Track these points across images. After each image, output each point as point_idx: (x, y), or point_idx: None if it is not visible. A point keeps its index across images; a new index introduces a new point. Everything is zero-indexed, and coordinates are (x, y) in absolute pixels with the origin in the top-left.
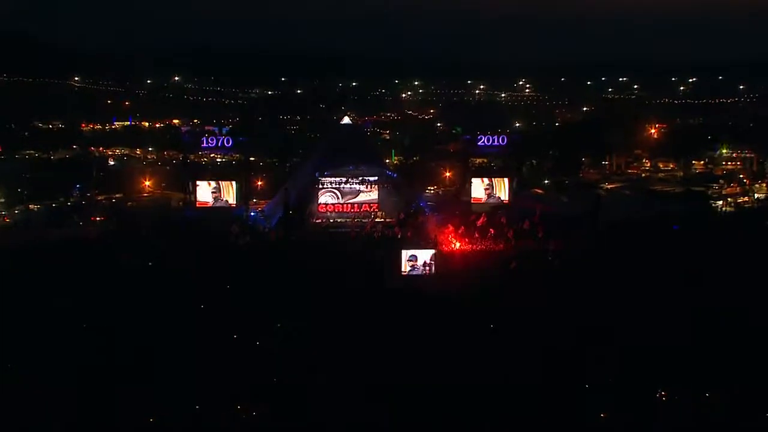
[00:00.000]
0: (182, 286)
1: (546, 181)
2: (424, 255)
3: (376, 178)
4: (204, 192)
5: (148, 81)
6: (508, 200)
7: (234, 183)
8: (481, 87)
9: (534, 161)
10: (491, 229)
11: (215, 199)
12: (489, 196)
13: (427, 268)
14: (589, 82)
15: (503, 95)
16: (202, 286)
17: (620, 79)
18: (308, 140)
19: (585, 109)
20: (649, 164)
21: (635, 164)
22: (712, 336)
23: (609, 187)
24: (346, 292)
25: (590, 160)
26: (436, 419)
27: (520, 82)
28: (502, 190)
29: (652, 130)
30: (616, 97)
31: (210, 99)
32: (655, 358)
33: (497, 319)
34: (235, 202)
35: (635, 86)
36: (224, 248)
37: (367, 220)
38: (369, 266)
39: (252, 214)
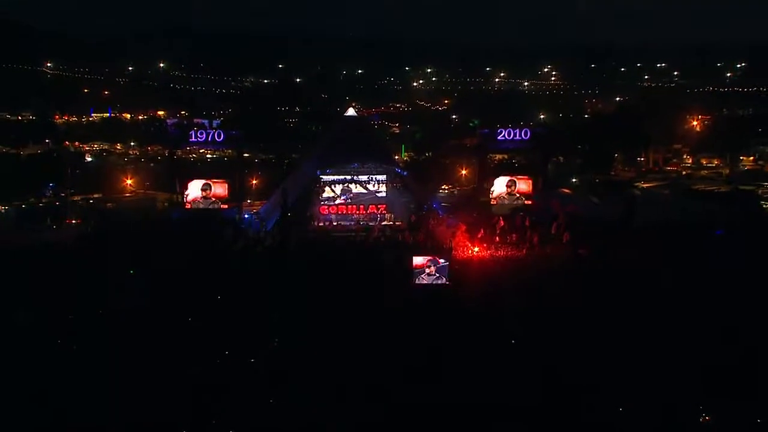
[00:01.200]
0: (167, 296)
1: (574, 180)
2: (438, 262)
3: (385, 176)
4: (193, 192)
5: (130, 68)
6: (532, 201)
7: (226, 182)
8: (502, 75)
9: (561, 157)
10: (513, 234)
11: (205, 199)
12: (509, 194)
13: (442, 276)
14: (623, 69)
15: (526, 84)
16: (190, 297)
17: (658, 65)
18: (309, 134)
19: (618, 98)
20: (690, 160)
21: (675, 160)
22: (760, 357)
23: (645, 186)
24: (350, 304)
25: (624, 156)
26: None
27: (545, 69)
28: (525, 189)
29: (695, 122)
30: (654, 84)
31: (199, 88)
32: (696, 380)
33: (519, 332)
34: (227, 203)
35: (675, 72)
36: (215, 254)
37: (373, 224)
38: (377, 274)
39: (246, 216)
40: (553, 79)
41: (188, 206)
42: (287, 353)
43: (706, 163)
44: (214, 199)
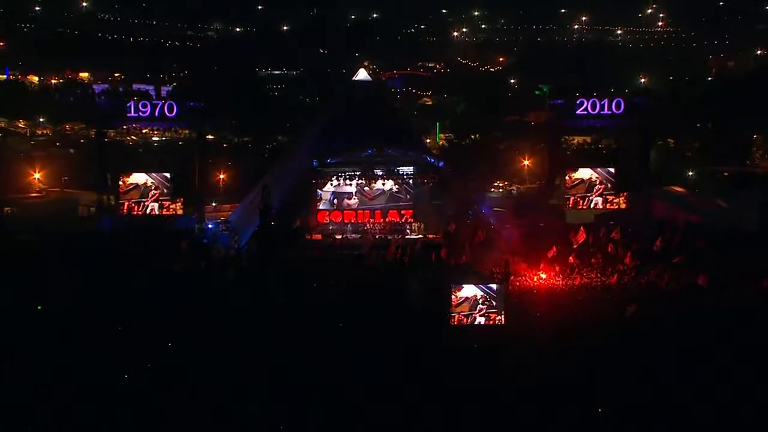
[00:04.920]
0: (92, 344)
1: (690, 173)
2: (489, 293)
3: (411, 168)
4: (132, 190)
5: (37, 8)
6: (627, 205)
7: (181, 176)
8: (583, 20)
9: (670, 140)
10: (597, 252)
11: (149, 200)
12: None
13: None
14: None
15: (619, 32)
16: (126, 345)
17: None
18: (302, 108)
19: (759, 52)
20: None
21: None
22: None
23: None
24: (357, 353)
25: (766, 139)
26: None
27: (648, 11)
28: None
29: None
30: None
31: (141, 39)
32: None
33: (605, 400)
34: (181, 208)
35: None
36: (164, 282)
37: (393, 237)
38: (399, 310)
39: (209, 226)
40: (660, 25)
41: (125, 212)
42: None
43: None
44: (162, 201)
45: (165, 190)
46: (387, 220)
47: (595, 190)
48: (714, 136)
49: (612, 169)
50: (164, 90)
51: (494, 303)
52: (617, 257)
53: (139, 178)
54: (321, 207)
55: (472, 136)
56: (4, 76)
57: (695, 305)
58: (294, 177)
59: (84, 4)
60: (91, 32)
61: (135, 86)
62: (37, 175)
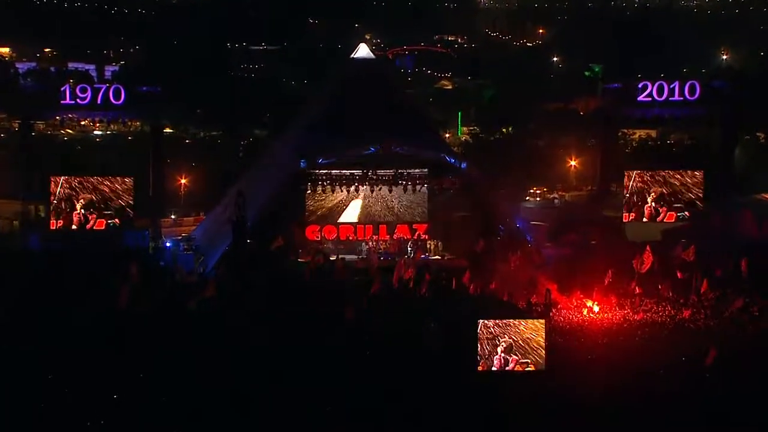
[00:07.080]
0: (17, 402)
1: None
2: (525, 329)
3: (426, 170)
4: (67, 199)
5: None
6: (704, 218)
7: (129, 180)
8: None
9: (761, 135)
10: (666, 278)
11: (89, 211)
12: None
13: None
14: None
15: None
16: (59, 403)
17: None
18: (287, 93)
19: None
20: None
21: None
22: None
23: None
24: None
25: None
26: None
27: None
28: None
29: None
30: None
31: (77, 4)
32: None
33: None
34: (130, 222)
35: None
36: (109, 318)
37: (402, 259)
38: (411, 352)
39: (168, 244)
40: None
41: (58, 226)
42: None
43: None
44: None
45: (114, 198)
46: (395, 236)
47: (662, 199)
48: None
49: (689, 173)
50: (109, 70)
51: (531, 343)
52: (691, 285)
53: (75, 182)
54: (311, 220)
55: (504, 130)
56: None
57: None
58: (275, 181)
59: None
60: None
61: (71, 65)
62: None
